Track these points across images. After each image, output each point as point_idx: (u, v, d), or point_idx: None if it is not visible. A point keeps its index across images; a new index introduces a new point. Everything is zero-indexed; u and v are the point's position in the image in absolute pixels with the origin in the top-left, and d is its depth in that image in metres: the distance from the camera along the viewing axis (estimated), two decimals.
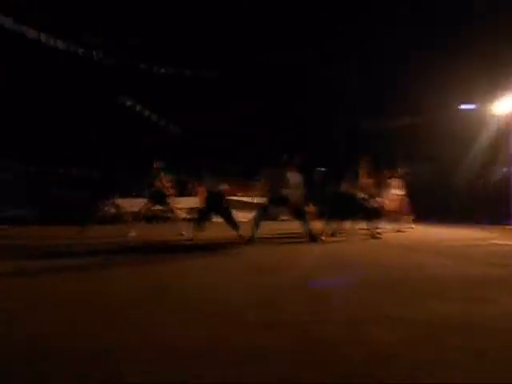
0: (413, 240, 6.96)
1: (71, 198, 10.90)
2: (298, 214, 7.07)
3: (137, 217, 8.17)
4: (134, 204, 9.89)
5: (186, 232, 7.36)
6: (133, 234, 7.51)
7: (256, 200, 7.75)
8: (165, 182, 7.94)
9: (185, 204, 12.17)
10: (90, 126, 14.42)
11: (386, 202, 8.55)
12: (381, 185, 8.53)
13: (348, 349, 1.88)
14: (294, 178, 6.95)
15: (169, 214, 10.69)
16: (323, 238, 6.81)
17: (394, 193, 8.85)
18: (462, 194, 12.24)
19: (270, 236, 7.31)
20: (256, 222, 6.93)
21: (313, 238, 6.75)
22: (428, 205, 11.15)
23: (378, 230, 7.37)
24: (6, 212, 10.41)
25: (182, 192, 12.94)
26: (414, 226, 9.05)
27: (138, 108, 15.06)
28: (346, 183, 7.44)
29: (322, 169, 16.32)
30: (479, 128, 12.38)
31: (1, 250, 5.82)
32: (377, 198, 8.10)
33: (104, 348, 1.88)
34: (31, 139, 14.06)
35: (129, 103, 14.89)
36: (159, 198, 7.89)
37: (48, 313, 2.51)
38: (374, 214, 7.61)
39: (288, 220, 12.48)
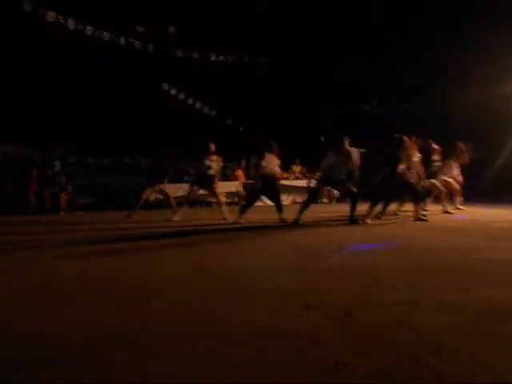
0: (462, 222, 6.67)
1: (124, 186, 11.47)
2: (350, 195, 7.13)
3: (183, 201, 8.29)
4: (178, 189, 10.17)
5: (230, 216, 7.47)
6: (177, 218, 7.68)
7: (312, 183, 7.64)
8: (216, 165, 8.00)
9: (225, 188, 12.31)
10: (141, 115, 14.84)
11: (441, 181, 8.09)
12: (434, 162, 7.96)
13: (395, 333, 1.86)
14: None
15: (212, 199, 10.94)
16: (369, 220, 6.63)
17: (450, 172, 8.20)
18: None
19: (313, 219, 7.23)
20: (305, 205, 7.05)
21: (354, 221, 6.68)
22: (481, 184, 10.62)
23: (424, 212, 7.05)
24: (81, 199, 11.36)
25: (222, 176, 13.14)
26: (463, 207, 8.41)
27: (181, 95, 15.27)
28: (402, 165, 6.83)
29: (362, 150, 15.88)
30: None
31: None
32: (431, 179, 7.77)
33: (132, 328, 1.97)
34: (84, 132, 14.77)
35: (174, 91, 15.11)
36: (204, 182, 7.91)
37: (97, 294, 2.64)
38: (422, 194, 7.39)
39: (327, 203, 12.57)
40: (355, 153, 6.95)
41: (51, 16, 11.69)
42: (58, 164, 13.39)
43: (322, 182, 7.16)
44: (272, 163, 7.14)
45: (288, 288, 2.68)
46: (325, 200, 12.63)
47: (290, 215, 6.95)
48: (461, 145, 8.31)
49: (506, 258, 3.48)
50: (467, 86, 11.89)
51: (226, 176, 13.05)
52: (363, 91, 16.42)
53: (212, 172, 7.87)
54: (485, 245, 4.28)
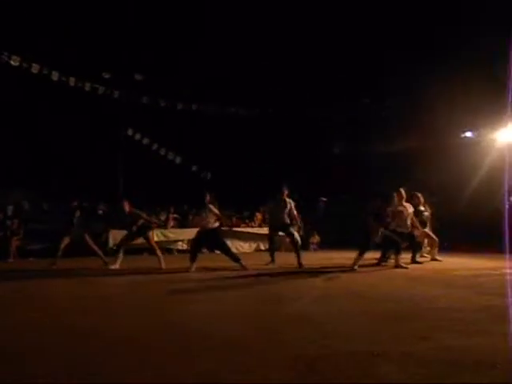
0: (426, 270, 6.76)
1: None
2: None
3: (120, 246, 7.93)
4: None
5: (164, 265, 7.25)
6: (114, 266, 7.30)
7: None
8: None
9: (186, 235, 12.15)
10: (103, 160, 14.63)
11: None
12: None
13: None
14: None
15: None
16: (356, 267, 6.59)
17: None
18: (470, 222, 12.01)
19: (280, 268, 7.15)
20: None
21: (301, 265, 7.46)
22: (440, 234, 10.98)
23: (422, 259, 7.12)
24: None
25: (185, 222, 12.98)
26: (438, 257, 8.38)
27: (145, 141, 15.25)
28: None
29: (324, 198, 16.39)
30: (482, 156, 12.36)
31: None
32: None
33: None
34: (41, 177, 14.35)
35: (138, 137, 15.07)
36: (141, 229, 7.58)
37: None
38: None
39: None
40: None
41: (16, 60, 11.61)
42: (10, 208, 12.77)
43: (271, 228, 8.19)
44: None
45: (246, 338, 2.54)
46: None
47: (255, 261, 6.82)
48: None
49: (459, 306, 3.51)
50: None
51: (188, 222, 12.90)
52: (329, 135, 17.07)
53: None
54: (442, 293, 4.33)
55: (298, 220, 8.66)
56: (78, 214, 8.16)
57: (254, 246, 13.29)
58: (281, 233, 8.73)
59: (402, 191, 7.66)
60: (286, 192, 8.16)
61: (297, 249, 7.96)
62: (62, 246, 8.01)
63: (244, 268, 6.76)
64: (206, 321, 3.10)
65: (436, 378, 1.86)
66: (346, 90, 16.03)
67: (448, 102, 12.36)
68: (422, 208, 8.27)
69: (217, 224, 7.05)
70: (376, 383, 1.82)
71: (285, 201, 8.07)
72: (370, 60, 15.03)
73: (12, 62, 11.55)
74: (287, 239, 9.10)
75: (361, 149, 16.09)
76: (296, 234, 8.39)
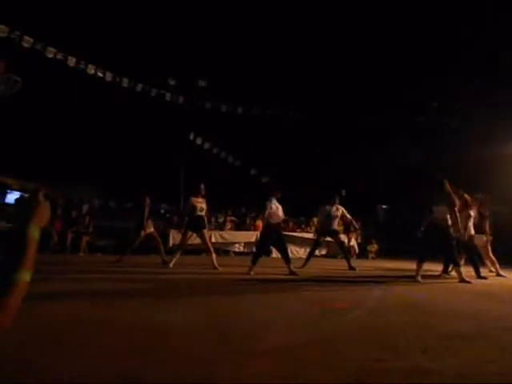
0: (492, 286, 6.31)
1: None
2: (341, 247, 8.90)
3: (178, 247, 8.14)
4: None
5: (218, 266, 7.36)
6: (171, 264, 7.53)
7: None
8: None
9: (242, 238, 12.33)
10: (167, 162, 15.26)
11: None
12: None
13: None
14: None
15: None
16: (419, 278, 6.35)
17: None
18: None
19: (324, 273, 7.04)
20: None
21: (352, 267, 8.05)
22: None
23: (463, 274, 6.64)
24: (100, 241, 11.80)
25: (242, 226, 13.17)
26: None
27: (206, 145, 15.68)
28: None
29: (384, 206, 15.90)
30: None
31: None
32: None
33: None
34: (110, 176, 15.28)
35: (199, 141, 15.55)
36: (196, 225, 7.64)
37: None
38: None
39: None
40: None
41: (91, 69, 12.48)
42: (86, 206, 13.71)
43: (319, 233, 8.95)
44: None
45: (298, 346, 2.51)
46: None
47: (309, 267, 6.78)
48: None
49: None
50: None
51: (246, 225, 13.08)
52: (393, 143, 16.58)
53: (203, 214, 7.63)
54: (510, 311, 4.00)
55: (356, 225, 9.28)
56: (147, 212, 8.48)
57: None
58: (328, 238, 9.13)
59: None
60: (337, 198, 8.62)
61: (345, 253, 8.78)
62: (136, 243, 8.39)
63: (293, 273, 6.76)
64: (255, 325, 3.10)
65: None
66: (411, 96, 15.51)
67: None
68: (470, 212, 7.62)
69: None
70: None
71: (337, 207, 8.54)
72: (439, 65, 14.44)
73: (88, 71, 12.43)
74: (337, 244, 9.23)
75: (426, 157, 15.39)
76: (342, 239, 9.49)
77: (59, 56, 11.27)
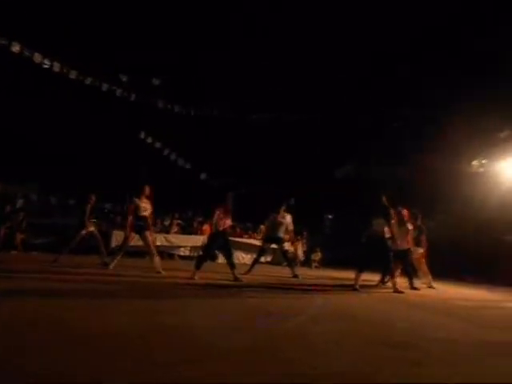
0: (424, 297, 6.68)
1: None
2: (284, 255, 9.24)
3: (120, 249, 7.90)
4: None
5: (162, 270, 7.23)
6: (111, 266, 7.24)
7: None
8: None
9: (189, 242, 12.18)
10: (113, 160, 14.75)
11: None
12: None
13: None
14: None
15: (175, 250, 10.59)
16: (357, 287, 6.56)
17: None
18: (478, 251, 11.85)
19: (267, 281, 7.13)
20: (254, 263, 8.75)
21: (295, 275, 8.38)
22: (444, 261, 10.83)
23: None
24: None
25: (188, 230, 13.00)
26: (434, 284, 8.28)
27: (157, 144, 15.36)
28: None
29: (330, 216, 16.37)
30: (492, 185, 12.24)
31: None
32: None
33: None
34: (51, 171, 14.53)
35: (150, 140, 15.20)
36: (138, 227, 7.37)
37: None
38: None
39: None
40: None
41: (37, 58, 11.84)
42: (20, 201, 12.92)
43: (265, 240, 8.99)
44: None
45: (236, 350, 2.52)
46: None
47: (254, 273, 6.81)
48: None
49: (455, 337, 3.44)
50: None
51: (192, 229, 12.94)
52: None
53: (147, 215, 7.42)
54: (440, 322, 4.26)
55: (292, 235, 9.47)
56: (88, 210, 8.13)
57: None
58: (274, 245, 9.22)
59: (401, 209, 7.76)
60: (284, 206, 8.79)
61: (289, 261, 9.21)
62: (75, 241, 8.02)
63: (237, 279, 6.77)
64: (197, 330, 3.07)
65: None
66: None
67: (458, 129, 12.33)
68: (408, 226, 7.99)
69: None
70: None
71: (283, 215, 8.73)
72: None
73: (34, 59, 11.78)
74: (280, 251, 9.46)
75: (370, 166, 16.04)
76: (287, 248, 9.83)
77: (3, 41, 10.60)
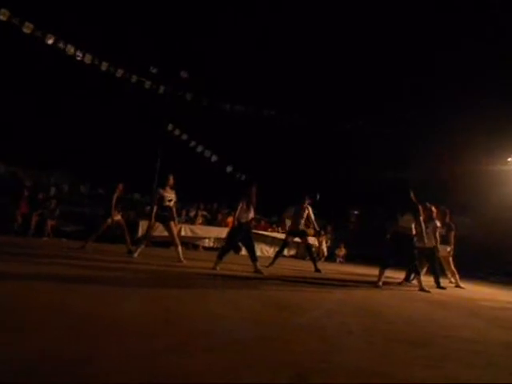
0: (450, 296, 6.48)
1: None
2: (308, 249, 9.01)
3: (143, 238, 8.06)
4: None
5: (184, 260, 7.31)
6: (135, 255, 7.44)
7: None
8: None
9: (213, 233, 12.26)
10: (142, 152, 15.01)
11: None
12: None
13: None
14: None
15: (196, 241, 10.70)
16: (380, 284, 6.46)
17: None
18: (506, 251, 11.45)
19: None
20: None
21: (317, 269, 8.25)
22: (470, 260, 10.49)
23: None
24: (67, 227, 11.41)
25: (213, 222, 13.09)
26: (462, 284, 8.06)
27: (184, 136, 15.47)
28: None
29: (356, 211, 16.13)
30: None
31: None
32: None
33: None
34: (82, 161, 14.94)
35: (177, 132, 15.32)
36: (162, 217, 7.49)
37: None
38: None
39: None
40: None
41: (70, 49, 12.13)
42: (53, 189, 13.35)
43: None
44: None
45: (246, 341, 2.50)
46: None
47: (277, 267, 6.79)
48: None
49: (478, 338, 3.31)
50: None
51: (217, 221, 13.01)
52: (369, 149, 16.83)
53: (171, 205, 7.50)
54: (462, 322, 4.11)
55: (315, 225, 9.12)
56: (115, 199, 8.28)
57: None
58: (297, 239, 9.17)
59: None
60: (307, 199, 8.68)
61: (312, 255, 8.88)
62: (101, 229, 8.23)
63: (259, 271, 6.79)
64: (209, 320, 3.08)
65: None
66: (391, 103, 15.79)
67: (492, 127, 11.92)
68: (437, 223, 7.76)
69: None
70: None
71: (303, 208, 8.59)
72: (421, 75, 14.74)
73: (67, 51, 12.08)
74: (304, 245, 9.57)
75: (401, 166, 15.71)
76: (312, 242, 9.60)
77: (37, 33, 10.91)
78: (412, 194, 6.73)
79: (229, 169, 16.43)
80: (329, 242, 14.24)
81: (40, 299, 3.14)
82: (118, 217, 8.28)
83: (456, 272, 8.12)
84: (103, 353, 2.02)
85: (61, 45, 11.53)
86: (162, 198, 7.44)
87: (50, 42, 11.31)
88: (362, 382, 1.98)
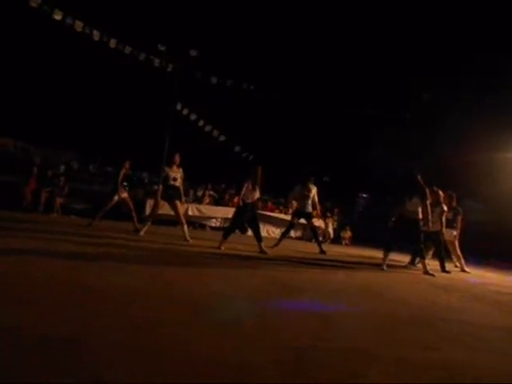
0: (454, 280, 6.47)
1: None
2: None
3: (149, 216, 8.18)
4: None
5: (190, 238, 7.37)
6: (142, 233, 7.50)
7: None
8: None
9: (221, 213, 12.29)
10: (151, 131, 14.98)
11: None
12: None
13: (339, 380, 1.71)
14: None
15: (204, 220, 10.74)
16: (384, 267, 6.46)
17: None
18: None
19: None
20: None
21: (322, 251, 8.30)
22: (479, 246, 10.44)
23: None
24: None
25: (220, 201, 13.12)
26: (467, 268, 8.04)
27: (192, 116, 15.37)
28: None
29: (365, 195, 16.04)
30: None
31: None
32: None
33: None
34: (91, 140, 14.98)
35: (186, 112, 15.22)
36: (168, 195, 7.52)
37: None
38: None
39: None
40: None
41: (79, 26, 12.01)
42: (62, 167, 13.45)
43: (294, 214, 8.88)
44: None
45: (243, 322, 2.52)
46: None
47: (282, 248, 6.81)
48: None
49: (478, 321, 3.30)
50: None
51: (224, 201, 13.04)
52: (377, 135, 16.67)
53: (177, 184, 7.52)
54: (463, 306, 4.10)
55: (319, 207, 9.12)
56: (121, 176, 8.30)
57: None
58: (303, 220, 9.16)
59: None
60: (312, 180, 8.71)
61: (317, 237, 8.92)
62: (108, 207, 8.30)
63: (263, 251, 6.82)
64: (210, 297, 3.11)
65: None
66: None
67: (502, 115, 11.70)
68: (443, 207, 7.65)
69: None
70: (356, 382, 1.74)
71: (309, 189, 8.58)
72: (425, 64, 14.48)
73: (76, 28, 11.97)
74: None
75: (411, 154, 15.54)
76: (318, 224, 9.75)
77: (45, 7, 10.81)
78: (419, 178, 6.65)
79: (237, 148, 16.36)
80: (335, 224, 14.22)
81: (42, 274, 3.19)
82: (124, 194, 8.33)
83: (461, 256, 8.08)
84: (102, 325, 2.05)
85: (69, 21, 11.43)
86: (167, 177, 7.46)
87: (58, 18, 11.21)
88: (357, 363, 1.98)
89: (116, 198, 8.20)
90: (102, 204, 8.76)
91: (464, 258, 8.13)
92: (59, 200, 10.88)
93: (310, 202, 8.52)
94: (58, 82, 14.89)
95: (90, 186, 12.46)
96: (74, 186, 11.81)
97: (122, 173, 8.23)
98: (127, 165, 8.43)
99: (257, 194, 7.13)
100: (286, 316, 2.74)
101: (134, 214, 8.39)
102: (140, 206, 10.58)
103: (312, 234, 9.24)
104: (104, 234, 6.98)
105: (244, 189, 7.00)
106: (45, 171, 11.58)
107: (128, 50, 12.54)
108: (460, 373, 1.99)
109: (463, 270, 7.85)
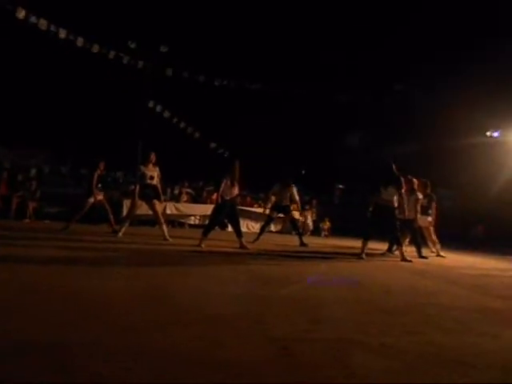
0: (431, 265, 6.65)
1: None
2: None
3: (126, 217, 8.12)
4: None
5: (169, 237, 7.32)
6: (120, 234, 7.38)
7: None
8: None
9: (199, 211, 12.24)
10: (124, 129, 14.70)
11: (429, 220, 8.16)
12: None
13: (329, 371, 1.73)
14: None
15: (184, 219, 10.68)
16: (363, 256, 6.55)
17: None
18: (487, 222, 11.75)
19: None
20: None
21: (303, 244, 8.39)
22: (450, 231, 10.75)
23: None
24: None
25: (198, 199, 13.06)
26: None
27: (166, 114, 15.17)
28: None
29: (341, 186, 16.24)
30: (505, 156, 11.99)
31: None
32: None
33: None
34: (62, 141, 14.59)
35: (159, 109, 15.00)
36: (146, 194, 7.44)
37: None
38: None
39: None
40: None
41: (43, 24, 11.62)
42: (33, 170, 13.07)
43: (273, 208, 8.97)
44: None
45: (231, 315, 2.53)
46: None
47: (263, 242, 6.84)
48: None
49: (457, 304, 3.41)
50: None
51: (202, 199, 12.98)
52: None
53: (154, 182, 7.45)
54: (443, 290, 4.22)
55: (299, 205, 9.50)
56: (96, 178, 8.15)
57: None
58: (281, 214, 9.20)
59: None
60: (290, 178, 8.88)
61: (297, 230, 9.12)
62: (84, 210, 8.11)
63: (244, 247, 6.84)
64: (194, 295, 3.10)
65: (411, 372, 1.81)
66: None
67: (472, 102, 12.07)
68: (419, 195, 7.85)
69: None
70: (345, 371, 1.77)
71: (289, 185, 8.73)
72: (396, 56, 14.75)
73: (40, 27, 11.58)
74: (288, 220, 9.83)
75: (384, 142, 15.83)
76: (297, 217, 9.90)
77: (8, 7, 10.42)
78: (394, 167, 6.79)
79: (212, 145, 16.26)
80: (314, 215, 14.37)
81: (23, 281, 3.10)
82: (100, 196, 8.17)
83: (437, 242, 8.31)
84: (86, 328, 2.02)
85: (33, 19, 11.05)
86: (143, 176, 7.36)
87: (21, 16, 10.83)
88: (341, 351, 2.02)
89: (91, 200, 8.05)
90: (76, 207, 8.57)
91: (440, 242, 8.36)
92: (32, 204, 10.58)
93: (288, 195, 8.60)
94: (25, 82, 14.42)
95: (63, 188, 12.17)
96: (47, 189, 11.51)
97: (96, 174, 8.08)
98: (101, 166, 8.28)
99: (236, 191, 7.12)
100: (272, 309, 2.76)
101: (110, 216, 8.26)
102: (116, 207, 10.40)
103: (292, 226, 9.33)
104: (81, 238, 6.85)
105: (223, 185, 6.97)
106: (15, 176, 11.23)
107: (96, 48, 12.23)
108: (439, 355, 2.06)
109: (439, 255, 8.08)
